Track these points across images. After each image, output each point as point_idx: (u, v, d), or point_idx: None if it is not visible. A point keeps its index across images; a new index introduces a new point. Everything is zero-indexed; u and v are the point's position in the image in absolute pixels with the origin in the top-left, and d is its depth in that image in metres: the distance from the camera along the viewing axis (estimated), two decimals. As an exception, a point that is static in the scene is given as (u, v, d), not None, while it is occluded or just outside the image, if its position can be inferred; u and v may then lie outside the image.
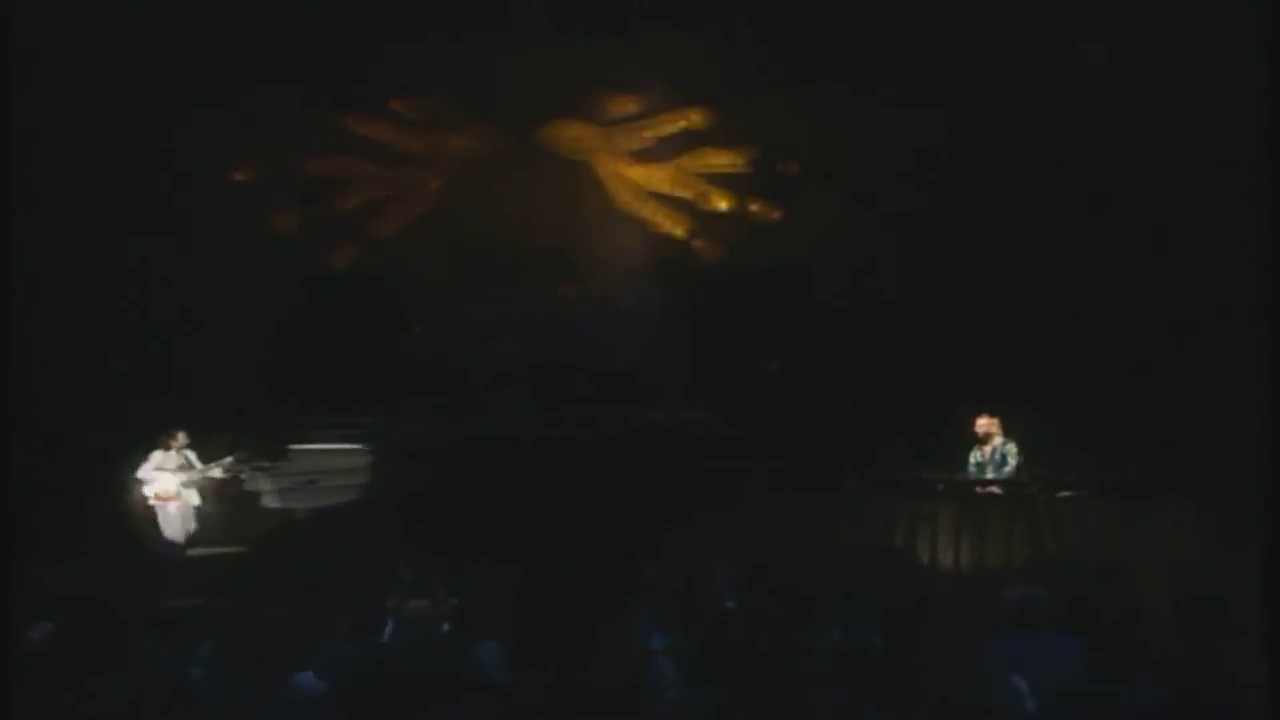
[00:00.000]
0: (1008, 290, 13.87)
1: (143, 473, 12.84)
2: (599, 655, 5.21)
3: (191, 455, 13.02)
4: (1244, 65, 7.21)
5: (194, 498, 12.97)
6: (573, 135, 15.26)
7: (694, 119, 15.27)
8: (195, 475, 13.00)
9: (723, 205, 15.46)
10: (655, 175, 15.48)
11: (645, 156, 15.46)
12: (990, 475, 12.33)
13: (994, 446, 12.39)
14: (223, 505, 13.29)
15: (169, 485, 12.83)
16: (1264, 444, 5.81)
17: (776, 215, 15.34)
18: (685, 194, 15.48)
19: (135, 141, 14.08)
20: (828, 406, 13.91)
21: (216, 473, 13.14)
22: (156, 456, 12.88)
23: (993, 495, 12.14)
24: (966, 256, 13.99)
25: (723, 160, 15.39)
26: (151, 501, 12.82)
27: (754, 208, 15.51)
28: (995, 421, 12.38)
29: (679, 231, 15.50)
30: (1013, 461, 12.30)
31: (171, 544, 12.80)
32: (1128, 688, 5.19)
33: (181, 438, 12.99)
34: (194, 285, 14.39)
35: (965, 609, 5.88)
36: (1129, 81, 13.31)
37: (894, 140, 14.33)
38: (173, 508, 12.84)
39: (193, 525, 12.95)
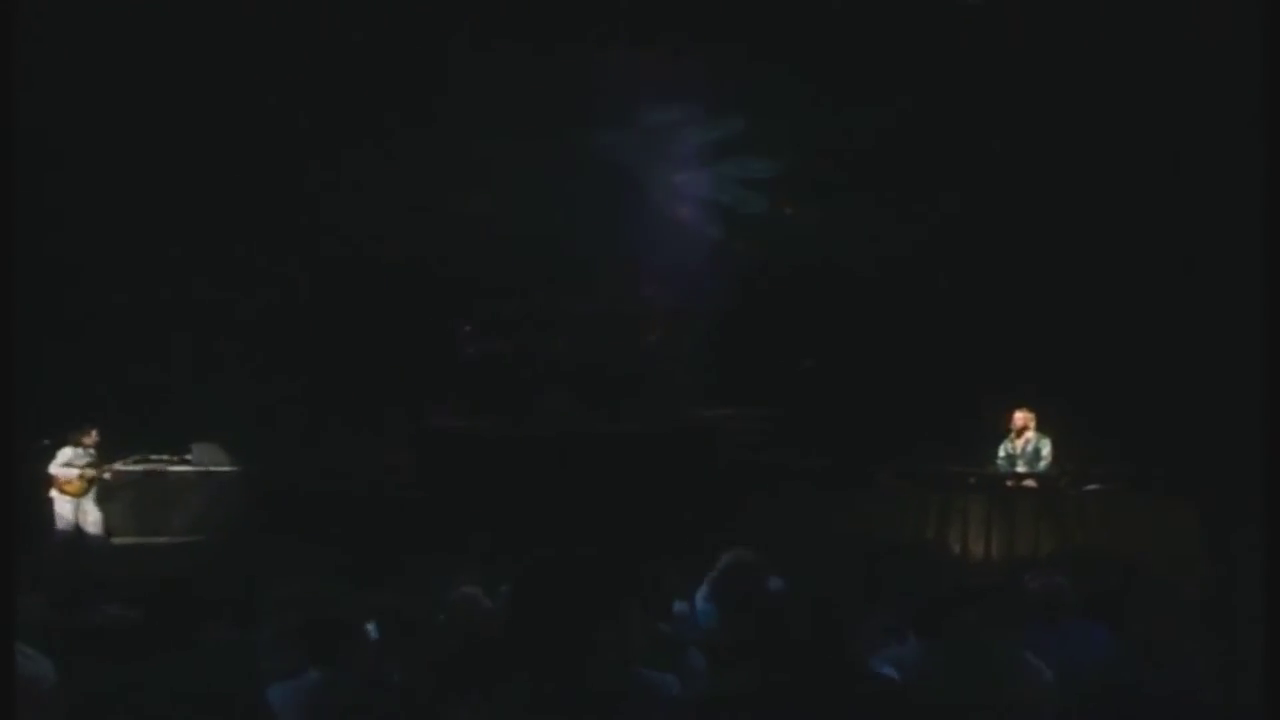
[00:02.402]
0: (1038, 288, 13.84)
1: (52, 467, 12.98)
2: (634, 647, 5.27)
3: (96, 455, 13.16)
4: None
5: (94, 493, 13.12)
6: (618, 141, 15.28)
7: (733, 125, 15.28)
8: (101, 471, 13.15)
9: (761, 208, 15.46)
10: (696, 180, 15.50)
11: (687, 161, 15.47)
12: (1021, 468, 12.36)
13: (1027, 440, 12.42)
14: (131, 500, 13.44)
15: (75, 480, 12.98)
16: (1265, 446, 5.78)
17: (812, 217, 15.34)
18: (725, 198, 15.50)
19: (167, 139, 14.09)
20: (861, 403, 13.90)
21: (119, 467, 13.32)
22: (66, 452, 13.03)
23: (1023, 488, 12.19)
24: (999, 256, 13.96)
25: (761, 165, 15.39)
26: (53, 494, 12.98)
27: (790, 210, 15.53)
28: (1032, 415, 12.42)
29: (719, 234, 15.51)
30: (1046, 455, 12.33)
31: (70, 536, 12.96)
32: (1151, 675, 5.22)
33: (94, 435, 13.13)
34: (241, 282, 14.57)
35: (994, 600, 5.89)
36: (1157, 79, 13.24)
37: (926, 142, 14.32)
38: (74, 502, 13.02)
39: (97, 519, 13.11)
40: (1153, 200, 13.44)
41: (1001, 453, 12.58)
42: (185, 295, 14.71)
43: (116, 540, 13.19)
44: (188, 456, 13.85)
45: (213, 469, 13.84)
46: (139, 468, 13.57)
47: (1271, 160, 6.60)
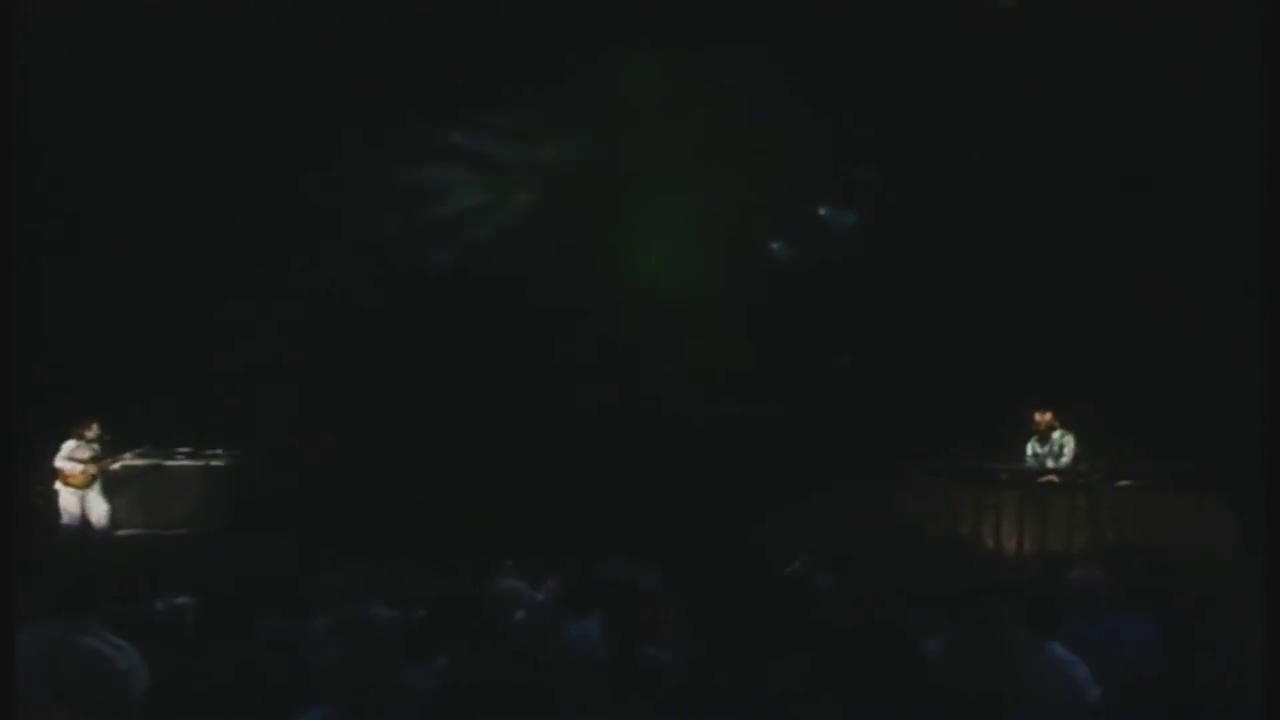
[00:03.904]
0: (1067, 289, 13.83)
1: (57, 460, 13.07)
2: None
3: (98, 447, 13.23)
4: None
5: (98, 485, 13.20)
6: (657, 145, 15.32)
7: (770, 129, 15.31)
8: (105, 464, 13.25)
9: (798, 211, 15.48)
10: (735, 182, 15.53)
11: (726, 164, 15.50)
12: (1049, 465, 12.43)
13: (1054, 438, 12.51)
14: (133, 492, 13.54)
15: (77, 472, 13.07)
16: (1266, 447, 5.77)
17: (847, 218, 15.35)
18: (760, 200, 15.53)
19: (175, 135, 14.17)
20: (897, 402, 13.90)
21: (128, 461, 13.44)
22: (69, 445, 13.10)
23: (1052, 484, 12.25)
24: (1029, 262, 13.95)
25: (800, 168, 15.42)
26: (58, 486, 13.06)
27: (824, 211, 15.55)
28: (1054, 414, 12.49)
29: (756, 233, 15.53)
30: (1069, 452, 12.40)
31: (73, 527, 13.05)
32: (1183, 667, 5.23)
33: (95, 429, 13.19)
34: (301, 291, 14.64)
35: (1025, 593, 5.91)
36: (1186, 87, 13.21)
37: (953, 146, 14.32)
38: (77, 493, 13.10)
39: (101, 510, 13.20)
40: (1178, 203, 13.41)
41: (1029, 450, 12.66)
42: (215, 287, 14.75)
43: (121, 532, 13.31)
44: (217, 450, 13.96)
45: (245, 462, 13.97)
46: (145, 461, 13.66)
47: (1274, 161, 6.60)
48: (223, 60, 13.98)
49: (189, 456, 13.88)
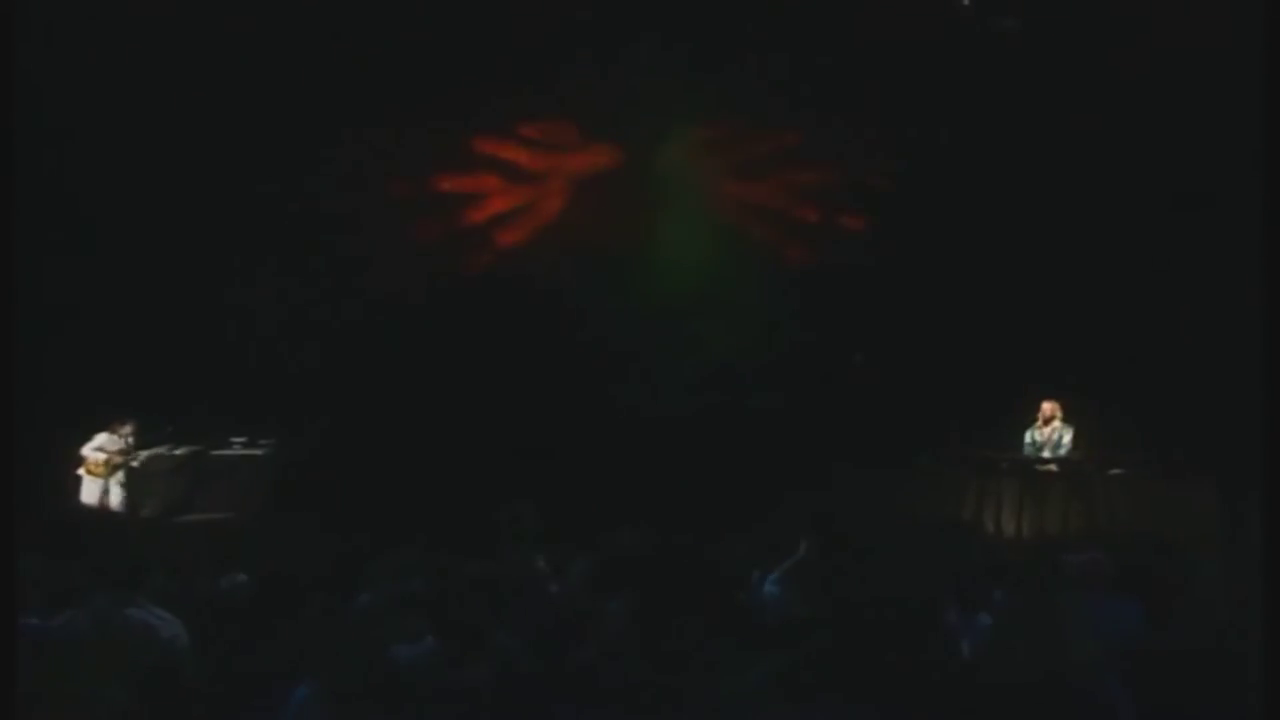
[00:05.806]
0: (1066, 285, 13.83)
1: (85, 450, 13.08)
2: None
3: (130, 441, 13.22)
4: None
5: (121, 476, 13.14)
6: (679, 154, 15.32)
7: (788, 138, 15.32)
8: (131, 457, 13.19)
9: (812, 216, 15.50)
10: (753, 190, 15.55)
11: (744, 172, 15.51)
12: (1046, 454, 12.48)
13: (1054, 428, 12.56)
14: (154, 483, 13.39)
15: (102, 462, 13.07)
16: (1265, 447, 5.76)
17: (860, 223, 15.34)
18: (779, 206, 15.54)
19: (206, 128, 14.06)
20: (904, 393, 13.90)
21: (145, 455, 13.32)
22: (100, 437, 13.12)
23: (1050, 472, 12.31)
24: (1031, 261, 13.94)
25: (813, 175, 15.44)
26: (80, 472, 13.06)
27: (835, 212, 15.54)
28: (1059, 405, 12.53)
29: (773, 239, 15.54)
30: (1068, 442, 12.45)
31: (92, 515, 12.96)
32: (1171, 644, 5.25)
33: (129, 427, 13.19)
34: (344, 291, 14.72)
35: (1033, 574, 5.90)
36: (1184, 83, 13.17)
37: (958, 150, 14.31)
38: (98, 482, 13.06)
39: (118, 500, 13.16)
40: (1177, 200, 13.38)
41: (1028, 439, 12.70)
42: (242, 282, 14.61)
43: (136, 517, 13.20)
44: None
45: (274, 455, 13.87)
46: (165, 454, 13.49)
47: (1274, 160, 6.58)
48: (259, 63, 13.98)
49: (210, 449, 13.74)
